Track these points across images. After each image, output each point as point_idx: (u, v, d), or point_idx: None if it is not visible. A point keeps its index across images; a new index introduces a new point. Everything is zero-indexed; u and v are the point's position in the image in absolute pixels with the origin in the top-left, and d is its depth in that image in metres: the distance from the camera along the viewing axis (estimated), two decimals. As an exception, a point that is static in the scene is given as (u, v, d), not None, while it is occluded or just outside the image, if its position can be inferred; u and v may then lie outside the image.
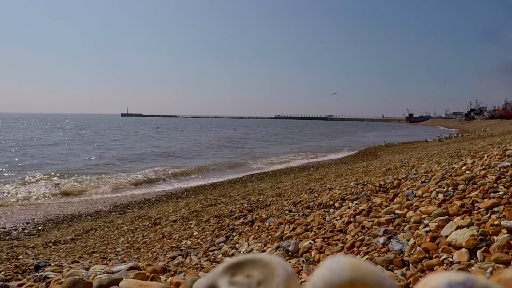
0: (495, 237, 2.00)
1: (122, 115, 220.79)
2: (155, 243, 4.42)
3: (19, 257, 4.22)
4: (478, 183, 2.83)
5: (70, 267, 2.79)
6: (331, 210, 3.62)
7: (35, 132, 41.16)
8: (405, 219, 2.68)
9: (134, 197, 9.25)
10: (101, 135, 38.38)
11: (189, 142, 29.19)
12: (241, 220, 4.41)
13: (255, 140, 32.79)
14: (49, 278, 2.08)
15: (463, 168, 3.55)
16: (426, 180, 3.57)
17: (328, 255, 2.49)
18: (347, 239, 2.69)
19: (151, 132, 43.94)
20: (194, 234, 4.38)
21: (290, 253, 2.75)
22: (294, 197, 5.24)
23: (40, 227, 6.56)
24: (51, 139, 29.91)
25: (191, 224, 5.01)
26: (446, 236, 2.18)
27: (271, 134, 42.54)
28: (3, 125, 60.98)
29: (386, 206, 3.11)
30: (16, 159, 16.34)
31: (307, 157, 18.05)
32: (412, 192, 3.21)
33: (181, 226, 5.04)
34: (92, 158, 17.50)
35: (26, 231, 6.33)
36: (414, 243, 2.25)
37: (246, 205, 5.33)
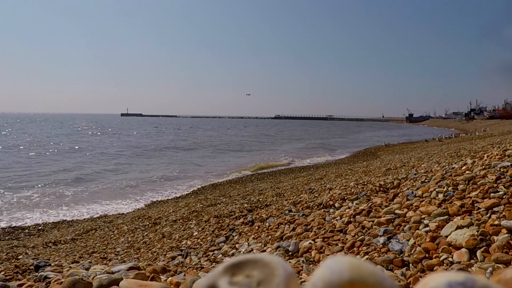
0: (495, 237, 2.00)
1: (122, 115, 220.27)
2: (155, 243, 4.42)
3: (19, 257, 4.22)
4: (478, 183, 2.83)
5: (70, 267, 2.79)
6: (331, 210, 3.62)
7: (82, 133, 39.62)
8: (405, 219, 2.68)
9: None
10: (193, 136, 35.24)
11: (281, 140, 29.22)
12: (241, 220, 4.41)
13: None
14: (49, 278, 2.08)
15: (463, 168, 3.55)
16: (426, 180, 3.57)
17: (328, 255, 2.49)
18: (347, 239, 2.69)
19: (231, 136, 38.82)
20: (194, 234, 4.38)
21: (290, 253, 2.75)
22: (294, 197, 5.23)
23: (40, 227, 6.56)
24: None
25: (191, 224, 5.01)
26: (446, 236, 2.18)
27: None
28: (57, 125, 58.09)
29: (386, 206, 3.11)
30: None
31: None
32: (412, 192, 3.21)
33: (181, 226, 5.04)
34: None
35: (26, 231, 6.33)
36: (414, 243, 2.25)
37: (246, 205, 5.33)
